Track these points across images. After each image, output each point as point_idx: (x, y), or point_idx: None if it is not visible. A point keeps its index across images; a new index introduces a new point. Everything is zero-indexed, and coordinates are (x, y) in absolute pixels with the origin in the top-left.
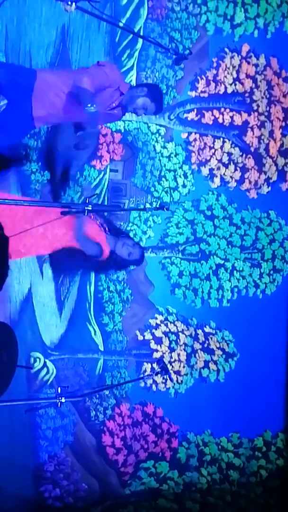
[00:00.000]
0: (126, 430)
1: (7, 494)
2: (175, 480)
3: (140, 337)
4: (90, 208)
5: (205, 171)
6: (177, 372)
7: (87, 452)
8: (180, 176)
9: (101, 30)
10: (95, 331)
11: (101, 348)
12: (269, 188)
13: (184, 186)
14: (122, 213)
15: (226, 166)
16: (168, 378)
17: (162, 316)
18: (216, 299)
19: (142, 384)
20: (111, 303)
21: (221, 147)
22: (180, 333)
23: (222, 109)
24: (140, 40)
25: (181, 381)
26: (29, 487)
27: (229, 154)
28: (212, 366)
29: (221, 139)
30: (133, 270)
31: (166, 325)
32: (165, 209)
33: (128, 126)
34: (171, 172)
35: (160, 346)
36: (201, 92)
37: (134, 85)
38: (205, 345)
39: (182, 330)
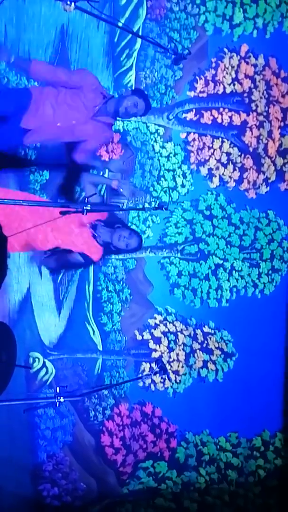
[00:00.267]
0: (125, 430)
1: (5, 493)
2: (173, 480)
3: (139, 337)
4: (89, 208)
5: (204, 171)
6: (176, 372)
7: (85, 451)
8: (179, 176)
9: (100, 30)
10: (93, 331)
11: (100, 347)
12: (268, 188)
13: (183, 186)
14: (120, 213)
15: (225, 166)
16: (166, 377)
17: (161, 316)
18: (215, 299)
19: (141, 384)
20: (109, 303)
21: (220, 147)
22: (179, 333)
23: (221, 109)
24: (139, 40)
25: (180, 380)
26: (28, 486)
27: (228, 154)
28: (210, 366)
29: (220, 139)
30: (132, 270)
31: (165, 325)
32: (164, 209)
33: (127, 126)
34: (170, 172)
35: (159, 346)
36: (200, 92)
37: (131, 86)
38: (204, 345)
39: (181, 330)
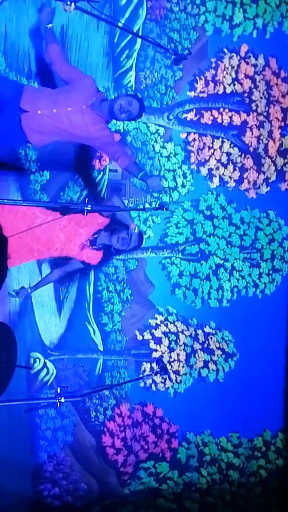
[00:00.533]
0: (126, 431)
1: (6, 493)
2: (174, 480)
3: (140, 337)
4: (89, 208)
5: (204, 171)
6: (176, 372)
7: (86, 452)
8: (179, 176)
9: (100, 30)
10: (94, 331)
11: (101, 348)
12: (268, 188)
13: (183, 186)
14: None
15: (225, 166)
16: (167, 378)
17: (162, 316)
18: (216, 299)
19: (142, 384)
20: (110, 303)
21: (220, 147)
22: (180, 333)
23: (221, 109)
24: (139, 41)
25: (180, 380)
26: (28, 486)
27: (228, 154)
28: (211, 366)
29: (220, 139)
30: (133, 270)
31: (166, 325)
32: (164, 209)
33: (127, 126)
34: (170, 172)
35: (160, 346)
36: (200, 92)
37: (131, 86)
38: (205, 345)
39: (182, 330)
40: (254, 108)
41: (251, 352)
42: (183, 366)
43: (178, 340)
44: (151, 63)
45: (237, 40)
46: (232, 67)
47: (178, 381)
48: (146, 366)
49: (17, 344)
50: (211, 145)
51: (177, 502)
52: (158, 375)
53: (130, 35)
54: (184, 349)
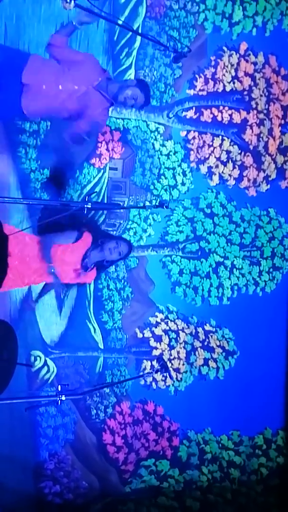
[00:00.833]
0: (127, 429)
1: (7, 490)
2: (175, 478)
3: (140, 335)
4: (89, 206)
5: (204, 169)
6: (177, 370)
7: (87, 450)
8: (179, 174)
9: (100, 28)
10: (94, 329)
11: (101, 346)
12: (268, 186)
13: (183, 184)
14: (121, 211)
15: (225, 164)
16: (168, 375)
17: (163, 314)
18: (216, 297)
19: (142, 382)
20: (110, 301)
21: (220, 145)
22: (180, 331)
23: (221, 107)
24: (139, 39)
25: (181, 378)
26: (30, 484)
27: (228, 152)
28: (211, 364)
29: (220, 137)
30: (133, 269)
31: (167, 323)
32: (164, 207)
33: (127, 124)
34: (170, 170)
35: (160, 344)
36: (200, 90)
37: None
38: (205, 343)
39: (183, 328)
40: (254, 106)
41: (252, 350)
42: (183, 364)
43: (178, 338)
44: (150, 61)
45: (237, 38)
46: (232, 65)
47: (179, 379)
48: (147, 364)
49: (18, 342)
50: (211, 143)
51: (178, 500)
52: (159, 373)
53: (130, 33)
54: (184, 347)
